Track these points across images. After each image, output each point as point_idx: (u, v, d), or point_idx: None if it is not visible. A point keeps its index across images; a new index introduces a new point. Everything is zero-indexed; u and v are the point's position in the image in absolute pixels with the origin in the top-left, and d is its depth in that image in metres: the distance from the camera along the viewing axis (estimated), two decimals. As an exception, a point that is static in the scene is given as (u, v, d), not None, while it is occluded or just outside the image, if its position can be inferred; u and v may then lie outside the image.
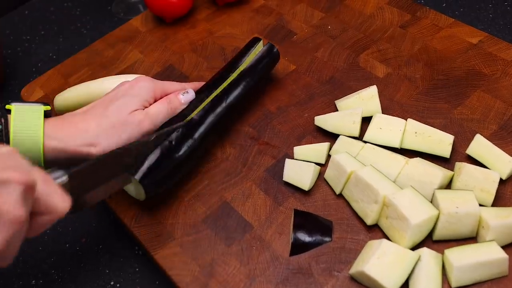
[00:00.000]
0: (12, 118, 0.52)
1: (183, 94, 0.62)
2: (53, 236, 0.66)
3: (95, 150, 0.54)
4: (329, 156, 0.62)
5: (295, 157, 0.62)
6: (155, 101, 0.61)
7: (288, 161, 0.61)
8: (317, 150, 0.61)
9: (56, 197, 0.42)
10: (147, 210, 0.61)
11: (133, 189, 0.58)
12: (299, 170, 0.59)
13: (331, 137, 0.64)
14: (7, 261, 0.40)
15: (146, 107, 0.59)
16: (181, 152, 0.58)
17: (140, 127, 0.57)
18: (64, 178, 0.46)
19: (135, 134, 0.57)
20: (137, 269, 0.62)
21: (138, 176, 0.55)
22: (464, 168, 0.55)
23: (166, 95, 0.62)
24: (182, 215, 0.60)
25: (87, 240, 0.65)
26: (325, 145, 0.61)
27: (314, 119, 0.65)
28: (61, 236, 0.66)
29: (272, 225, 0.57)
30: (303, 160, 0.61)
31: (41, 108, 0.53)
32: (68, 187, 0.46)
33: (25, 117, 0.52)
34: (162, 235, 0.58)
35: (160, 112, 0.60)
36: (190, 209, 0.60)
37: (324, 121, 0.64)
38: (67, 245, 0.65)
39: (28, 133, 0.51)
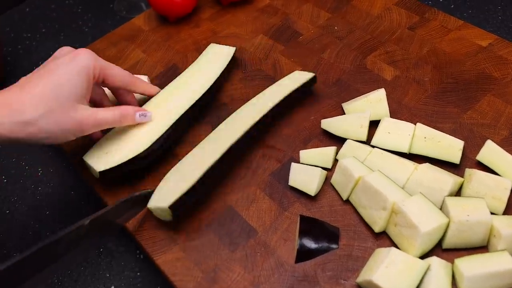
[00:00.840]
0: None
1: (140, 116, 0.60)
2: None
3: (32, 129, 0.51)
4: (336, 160, 0.61)
5: (301, 161, 0.61)
6: (95, 80, 0.57)
7: (294, 165, 0.59)
8: (323, 154, 0.60)
9: None
10: (149, 214, 0.59)
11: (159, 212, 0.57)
12: (305, 175, 0.58)
13: (338, 141, 0.62)
14: None
15: (87, 96, 0.56)
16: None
17: (81, 127, 0.54)
18: None
19: (73, 131, 0.54)
20: (138, 273, 0.60)
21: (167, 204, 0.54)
22: (474, 175, 0.54)
23: (107, 80, 0.58)
24: (185, 219, 0.58)
25: (88, 243, 0.64)
26: (332, 149, 0.60)
27: (320, 122, 0.64)
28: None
29: (277, 231, 0.56)
30: (309, 165, 0.60)
31: None
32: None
33: None
34: (164, 240, 0.57)
35: (107, 120, 0.57)
36: (194, 213, 0.59)
37: (330, 124, 0.62)
38: (67, 248, 0.63)
39: None
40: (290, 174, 0.59)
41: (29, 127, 0.51)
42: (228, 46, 0.73)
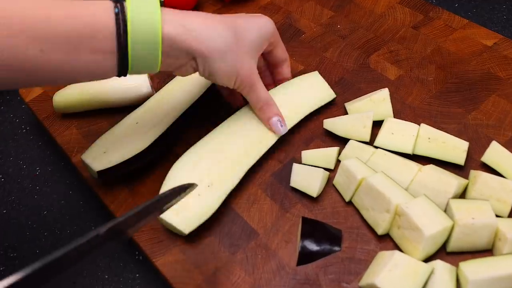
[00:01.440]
0: (128, 2, 0.48)
1: (276, 121, 0.60)
2: (51, 239, 0.63)
3: (206, 51, 0.51)
4: (338, 161, 0.60)
5: (302, 161, 0.60)
6: (268, 46, 0.60)
7: (295, 166, 0.58)
8: (326, 154, 0.59)
9: None
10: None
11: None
12: (307, 176, 0.57)
13: (341, 141, 0.61)
14: None
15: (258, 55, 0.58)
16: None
17: (247, 78, 0.56)
18: None
19: (234, 78, 0.55)
20: (137, 275, 0.59)
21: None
22: (479, 177, 0.53)
23: (275, 52, 0.61)
24: (184, 221, 0.57)
25: (86, 243, 0.63)
26: (335, 149, 0.59)
27: (322, 122, 0.63)
28: (59, 239, 0.63)
29: (278, 232, 0.55)
30: (311, 165, 0.59)
31: None
32: None
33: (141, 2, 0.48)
34: (163, 241, 0.56)
35: (259, 95, 0.58)
36: (193, 214, 0.58)
37: (333, 124, 0.61)
38: (65, 248, 0.62)
39: (146, 17, 0.47)
40: (291, 175, 0.58)
41: (213, 45, 0.52)
42: None
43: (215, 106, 0.68)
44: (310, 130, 0.64)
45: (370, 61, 0.70)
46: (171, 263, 0.54)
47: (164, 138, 0.61)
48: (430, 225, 0.49)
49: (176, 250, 0.55)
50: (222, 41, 0.52)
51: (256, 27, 0.56)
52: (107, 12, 0.46)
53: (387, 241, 0.53)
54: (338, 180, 0.57)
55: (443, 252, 0.51)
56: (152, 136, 0.60)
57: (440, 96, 0.65)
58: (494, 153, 0.56)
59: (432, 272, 0.48)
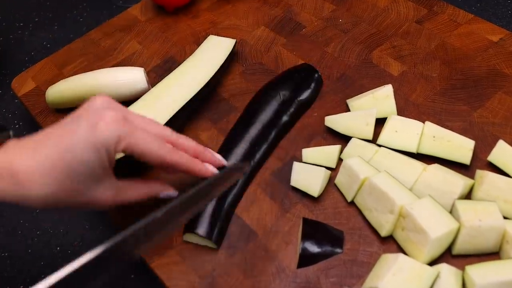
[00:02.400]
0: None
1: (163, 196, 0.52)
2: (43, 239, 0.62)
3: (41, 204, 0.43)
4: (340, 160, 0.58)
5: (303, 159, 0.58)
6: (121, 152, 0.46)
7: (296, 165, 0.57)
8: (327, 153, 0.57)
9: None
10: (144, 214, 0.56)
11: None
12: (308, 175, 0.55)
13: (343, 139, 0.60)
14: None
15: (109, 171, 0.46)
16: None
17: (101, 206, 0.46)
18: None
19: (93, 209, 0.47)
20: (132, 277, 0.58)
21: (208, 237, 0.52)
22: (486, 177, 0.51)
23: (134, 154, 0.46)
24: (181, 220, 0.56)
25: (80, 244, 0.61)
26: (336, 147, 0.57)
27: (324, 119, 0.61)
28: (52, 238, 0.62)
29: (278, 233, 0.53)
30: (312, 164, 0.57)
31: None
32: None
33: None
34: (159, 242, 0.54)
35: (134, 200, 0.49)
36: (190, 214, 0.56)
37: (335, 121, 0.60)
38: (58, 249, 0.61)
39: None
40: (292, 174, 0.57)
41: (38, 202, 0.43)
42: (228, 38, 0.70)
43: (212, 102, 0.67)
44: (311, 127, 0.62)
45: (373, 57, 0.69)
46: (167, 264, 0.53)
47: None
48: (436, 227, 0.47)
49: (172, 251, 0.53)
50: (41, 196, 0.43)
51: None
52: None
53: (390, 243, 0.51)
54: (340, 180, 0.55)
55: (448, 255, 0.49)
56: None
57: (445, 93, 0.63)
58: (501, 152, 0.54)
59: (437, 276, 0.46)
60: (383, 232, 0.51)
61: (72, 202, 0.44)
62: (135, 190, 0.49)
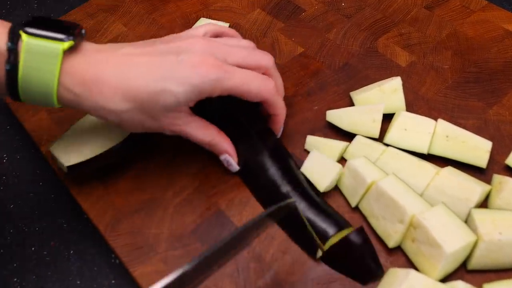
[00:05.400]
0: (22, 51, 0.43)
1: (224, 159, 0.52)
2: (17, 238, 0.57)
3: (110, 116, 0.47)
4: (342, 159, 0.53)
5: (305, 147, 0.54)
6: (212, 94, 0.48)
7: (313, 153, 0.52)
8: (331, 146, 0.52)
9: None
10: (126, 216, 0.52)
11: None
12: (322, 167, 0.50)
13: (346, 136, 0.55)
14: None
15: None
16: None
17: (163, 130, 0.49)
18: None
19: (156, 131, 0.49)
20: (113, 281, 0.53)
21: None
22: (506, 184, 0.46)
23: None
24: (167, 225, 0.51)
25: (57, 244, 0.56)
26: (342, 144, 0.52)
27: (325, 114, 0.56)
28: (26, 237, 0.57)
29: (274, 241, 0.49)
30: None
31: (59, 52, 0.43)
32: None
33: (37, 61, 0.43)
34: (142, 248, 0.50)
35: (195, 139, 0.50)
36: (177, 218, 0.51)
37: (337, 117, 0.55)
38: (33, 249, 0.56)
39: (39, 77, 0.44)
40: (305, 161, 0.52)
41: (109, 114, 0.47)
42: (220, 22, 0.66)
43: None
44: (311, 122, 0.57)
45: (378, 45, 0.63)
46: (150, 273, 0.48)
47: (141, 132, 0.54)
48: (451, 240, 0.42)
49: (156, 258, 0.49)
50: (118, 110, 0.46)
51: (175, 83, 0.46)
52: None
53: (398, 254, 0.47)
54: (343, 182, 0.50)
55: (463, 269, 0.45)
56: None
57: (457, 87, 0.58)
58: (521, 155, 0.50)
59: (452, 295, 0.42)
60: (391, 243, 0.46)
61: (144, 123, 0.47)
62: (202, 130, 0.50)
